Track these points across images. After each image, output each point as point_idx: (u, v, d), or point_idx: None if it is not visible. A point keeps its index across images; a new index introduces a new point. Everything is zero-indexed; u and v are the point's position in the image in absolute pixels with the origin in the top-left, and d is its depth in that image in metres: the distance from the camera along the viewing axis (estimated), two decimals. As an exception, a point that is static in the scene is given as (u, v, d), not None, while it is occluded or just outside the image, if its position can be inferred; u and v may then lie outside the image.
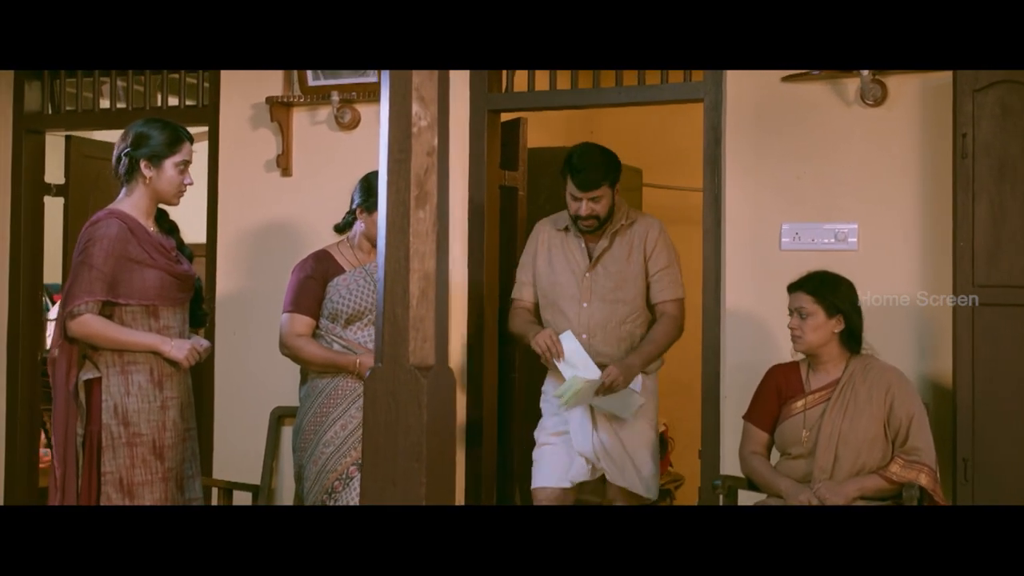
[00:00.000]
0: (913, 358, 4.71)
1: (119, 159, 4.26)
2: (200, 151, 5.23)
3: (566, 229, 4.86)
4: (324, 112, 5.71)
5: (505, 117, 5.83)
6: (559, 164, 4.78)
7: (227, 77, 5.91)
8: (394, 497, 3.21)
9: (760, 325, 4.87)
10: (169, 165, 4.23)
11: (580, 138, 6.29)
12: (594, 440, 4.69)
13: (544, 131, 6.95)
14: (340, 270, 4.69)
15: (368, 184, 4.66)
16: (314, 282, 4.66)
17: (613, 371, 4.57)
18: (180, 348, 4.21)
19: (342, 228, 4.84)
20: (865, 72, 4.67)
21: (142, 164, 4.20)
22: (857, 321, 4.40)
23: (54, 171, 6.82)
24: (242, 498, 5.55)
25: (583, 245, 4.82)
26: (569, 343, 4.66)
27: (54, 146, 6.80)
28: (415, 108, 3.29)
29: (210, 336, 5.76)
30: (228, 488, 5.54)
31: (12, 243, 6.39)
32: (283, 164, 5.74)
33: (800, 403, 4.36)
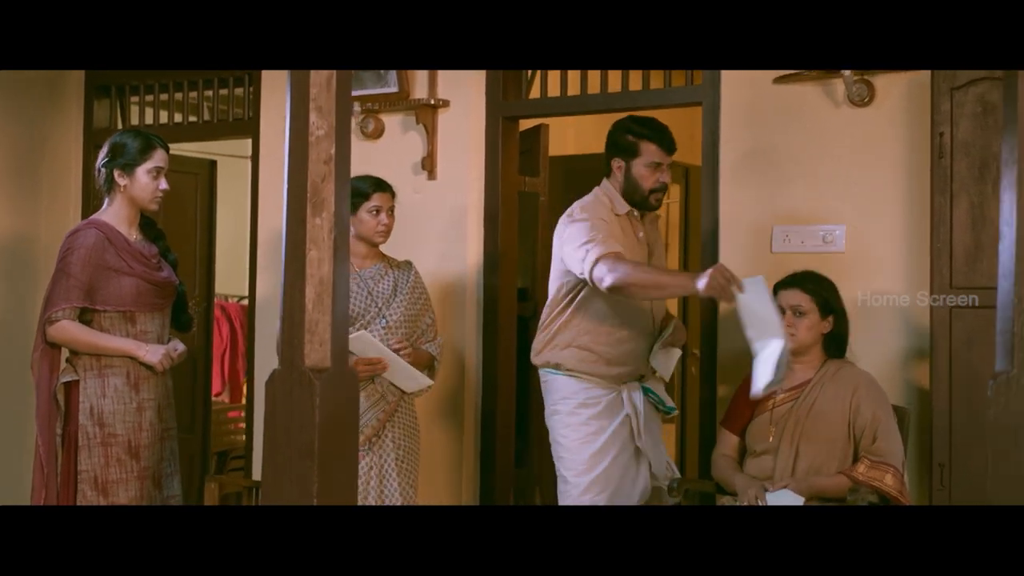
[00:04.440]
0: (898, 361, 4.64)
1: (98, 171, 4.47)
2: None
3: (628, 214, 4.55)
4: (352, 122, 5.84)
5: (528, 124, 5.92)
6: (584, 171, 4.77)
7: (267, 90, 6.12)
8: (290, 495, 3.32)
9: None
10: (142, 172, 4.42)
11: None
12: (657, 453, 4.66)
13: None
14: (336, 276, 4.81)
15: (351, 188, 4.78)
16: (310, 288, 4.79)
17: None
18: (155, 353, 4.39)
19: None
20: (847, 72, 4.60)
21: (116, 173, 4.41)
22: (845, 326, 4.39)
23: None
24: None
25: (639, 233, 4.59)
26: (757, 289, 4.06)
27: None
28: (312, 118, 3.39)
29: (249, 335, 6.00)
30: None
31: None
32: (314, 174, 5.90)
33: (770, 402, 4.35)
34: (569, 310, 4.49)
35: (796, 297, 4.32)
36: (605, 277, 4.18)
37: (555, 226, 4.86)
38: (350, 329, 4.63)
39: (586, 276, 4.27)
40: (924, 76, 4.55)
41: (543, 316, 4.61)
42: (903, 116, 4.66)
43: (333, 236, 3.42)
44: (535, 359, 4.62)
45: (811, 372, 4.35)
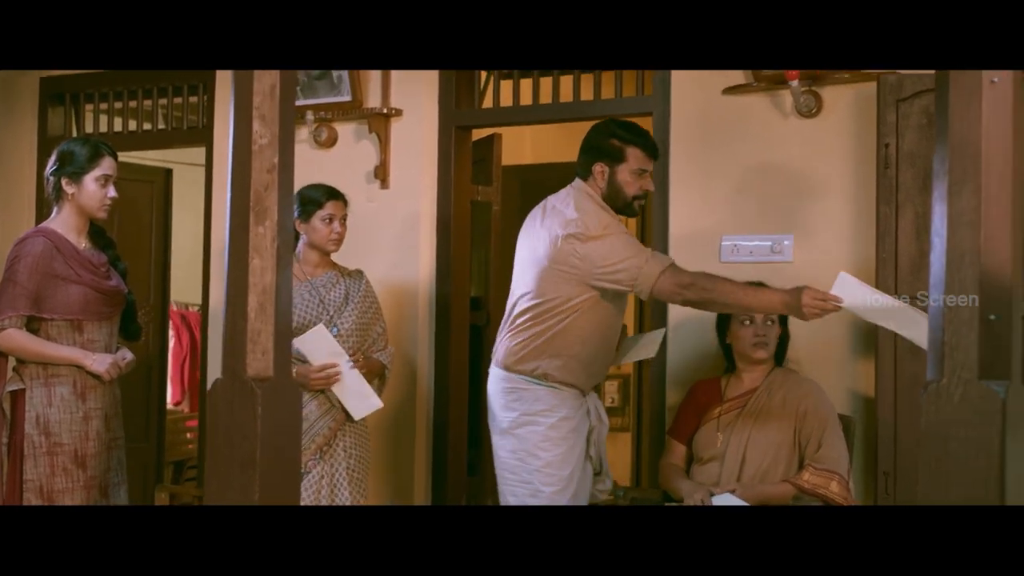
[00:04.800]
0: (844, 370, 4.68)
1: (47, 180, 4.46)
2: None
3: None
4: (304, 131, 5.86)
5: (482, 133, 5.94)
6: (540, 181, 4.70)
7: (220, 98, 6.11)
8: (231, 503, 3.31)
9: (702, 339, 4.86)
10: (89, 180, 4.40)
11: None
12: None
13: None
14: (287, 284, 4.80)
15: (301, 196, 4.79)
16: (262, 297, 4.77)
17: None
18: (101, 362, 4.37)
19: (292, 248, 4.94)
20: (795, 83, 4.64)
21: (64, 181, 4.39)
22: (786, 334, 4.44)
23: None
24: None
25: None
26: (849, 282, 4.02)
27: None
28: (255, 126, 3.39)
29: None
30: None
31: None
32: (268, 182, 5.89)
33: (716, 410, 4.39)
34: (567, 320, 4.27)
35: None
36: (680, 291, 4.12)
37: (510, 235, 4.84)
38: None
39: (643, 290, 4.15)
40: (870, 87, 4.58)
41: (522, 321, 4.34)
42: (850, 127, 4.70)
43: (276, 245, 3.41)
44: (515, 364, 4.37)
45: (759, 380, 4.39)
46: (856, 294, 3.90)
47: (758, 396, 4.34)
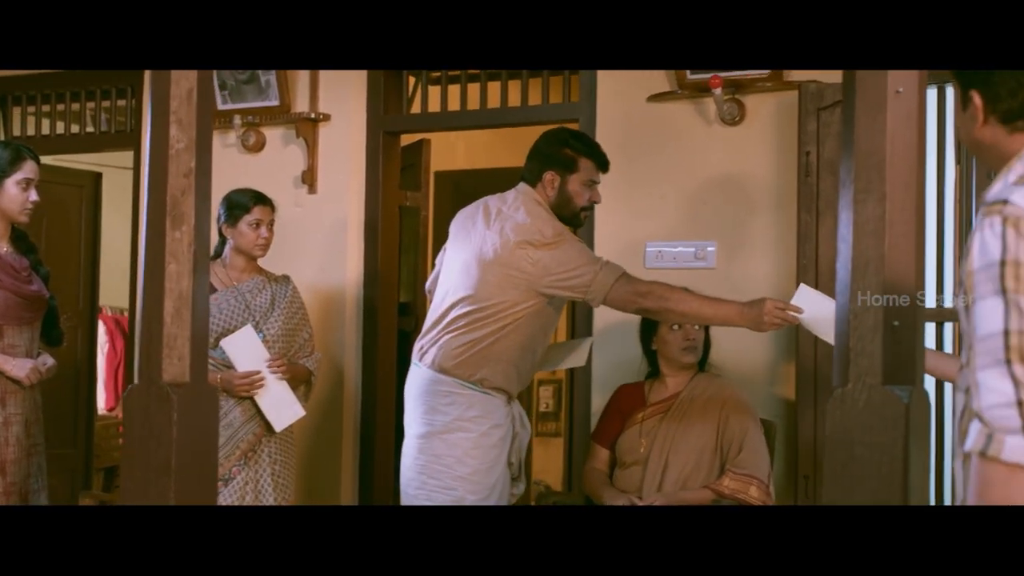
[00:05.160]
0: (765, 375, 4.73)
1: None
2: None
3: None
4: (233, 135, 5.84)
5: (412, 138, 5.96)
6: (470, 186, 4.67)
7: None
8: (147, 509, 3.30)
9: (624, 344, 4.88)
10: (11, 184, 4.35)
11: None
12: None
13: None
14: (212, 289, 4.77)
15: (228, 200, 4.78)
16: (185, 302, 4.74)
17: None
18: (21, 367, 4.32)
19: (218, 253, 4.92)
20: (717, 91, 4.68)
21: None
22: (707, 340, 4.48)
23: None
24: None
25: None
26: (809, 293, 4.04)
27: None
28: (172, 131, 3.38)
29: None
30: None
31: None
32: (196, 186, 5.87)
33: (640, 414, 4.41)
34: (509, 326, 4.21)
35: None
36: (636, 299, 4.10)
37: (441, 240, 4.78)
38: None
39: (595, 298, 4.13)
40: (792, 96, 4.63)
41: (461, 324, 4.24)
42: (772, 135, 4.75)
43: (193, 250, 3.40)
44: (454, 367, 4.26)
45: (682, 385, 4.42)
46: (815, 306, 3.91)
47: (681, 401, 4.38)
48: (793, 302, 3.95)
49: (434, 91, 5.69)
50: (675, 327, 4.38)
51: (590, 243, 5.05)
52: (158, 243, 3.37)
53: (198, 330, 3.43)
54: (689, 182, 4.89)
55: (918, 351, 2.65)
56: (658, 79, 4.92)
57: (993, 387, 2.01)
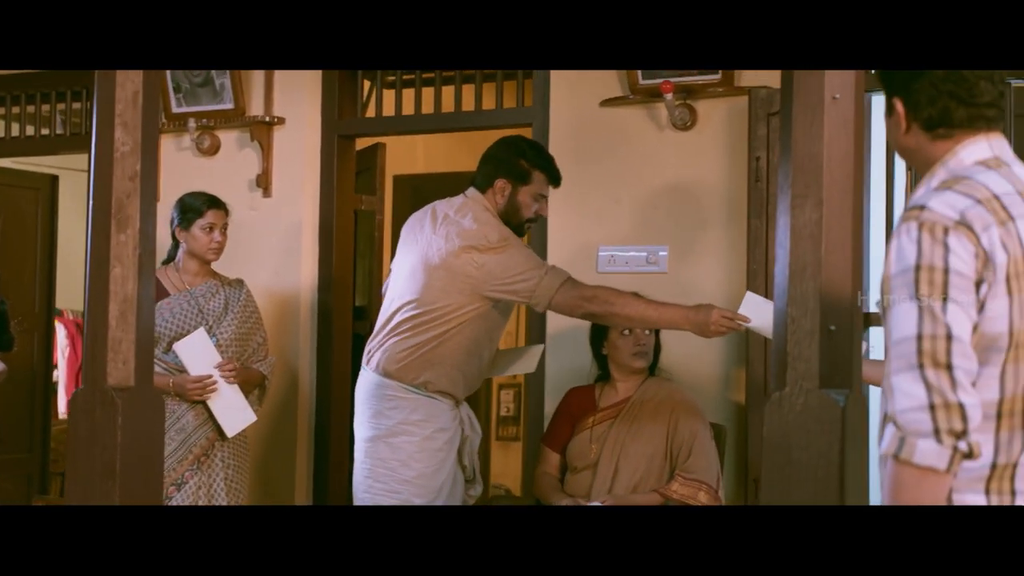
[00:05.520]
0: (717, 379, 4.75)
1: None
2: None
3: None
4: (188, 138, 5.82)
5: (368, 142, 5.96)
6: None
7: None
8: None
9: (577, 348, 4.89)
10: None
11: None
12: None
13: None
14: (165, 293, 4.77)
15: (182, 204, 4.78)
16: (138, 305, 4.72)
17: None
18: (-32, 372, 4.32)
19: (172, 256, 4.91)
20: (669, 96, 4.70)
21: None
22: (658, 344, 4.49)
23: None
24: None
25: None
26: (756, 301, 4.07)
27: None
28: (118, 133, 3.37)
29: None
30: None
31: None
32: (151, 190, 5.85)
33: (590, 419, 4.42)
34: (453, 330, 4.20)
35: None
36: (581, 304, 4.11)
37: (396, 245, 4.75)
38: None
39: (540, 303, 4.13)
40: (743, 101, 4.66)
41: (406, 328, 4.24)
42: (723, 140, 4.77)
43: (139, 253, 3.40)
44: (397, 371, 4.26)
45: (632, 390, 4.43)
46: (762, 312, 3.89)
47: (631, 406, 4.38)
48: (740, 310, 3.96)
49: (389, 95, 5.69)
50: (625, 332, 4.39)
51: (543, 247, 5.07)
52: (103, 246, 3.37)
53: (143, 334, 3.43)
54: (641, 187, 4.91)
55: (855, 355, 2.68)
56: (611, 84, 4.94)
57: (906, 391, 2.04)
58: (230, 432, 4.65)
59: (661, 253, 4.86)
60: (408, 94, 5.63)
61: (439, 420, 4.28)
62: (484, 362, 4.38)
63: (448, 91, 5.50)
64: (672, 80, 4.68)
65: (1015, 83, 4.41)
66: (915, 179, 4.43)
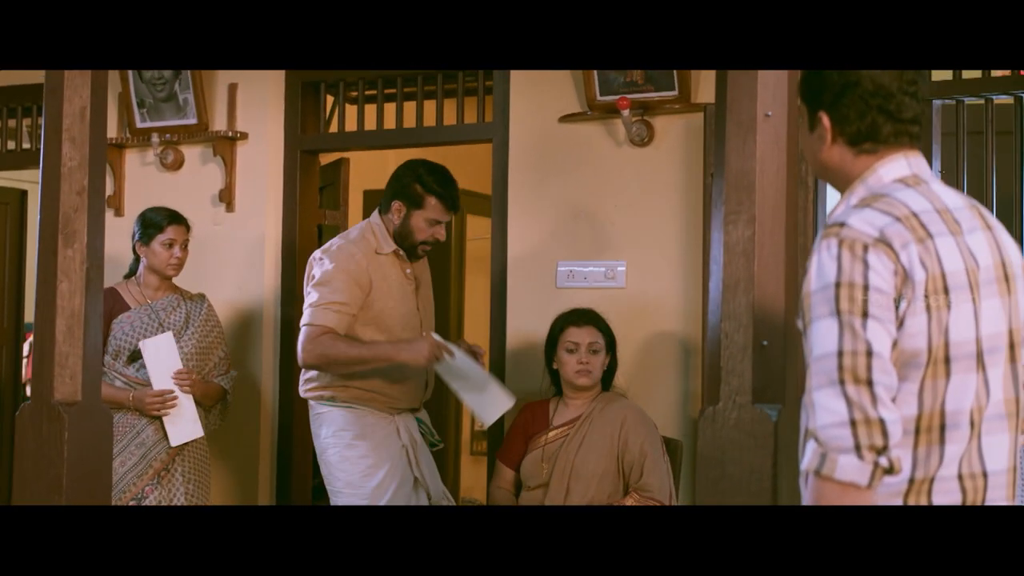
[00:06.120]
0: (675, 393, 4.75)
1: None
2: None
3: (395, 252, 4.44)
4: (151, 153, 5.82)
5: (331, 158, 5.97)
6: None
7: (68, 119, 6.05)
8: (38, 529, 3.28)
9: (538, 361, 4.90)
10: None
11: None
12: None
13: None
14: (125, 307, 4.78)
15: (143, 219, 4.79)
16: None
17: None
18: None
19: (133, 270, 4.92)
20: (626, 113, 4.72)
21: None
22: (614, 362, 4.49)
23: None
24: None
25: (408, 271, 4.50)
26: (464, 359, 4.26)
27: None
28: (65, 148, 3.39)
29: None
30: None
31: None
32: (115, 204, 5.85)
33: (543, 437, 4.43)
34: None
35: (592, 335, 4.41)
36: (300, 354, 4.29)
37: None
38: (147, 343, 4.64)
39: (301, 322, 4.33)
40: (699, 119, 4.68)
41: None
42: (680, 156, 4.79)
43: (86, 268, 3.41)
44: (304, 391, 4.47)
45: (584, 407, 4.42)
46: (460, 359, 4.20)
47: (581, 424, 4.37)
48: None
49: (351, 110, 5.71)
50: (570, 349, 4.39)
51: (502, 262, 5.09)
52: (50, 261, 3.39)
53: (91, 349, 3.44)
54: (600, 202, 4.92)
55: (788, 370, 2.70)
56: (570, 100, 4.96)
57: (827, 407, 2.06)
58: (174, 441, 4.66)
59: (619, 268, 4.87)
60: (370, 109, 5.64)
61: (356, 428, 4.39)
62: (388, 374, 4.38)
63: (410, 107, 5.52)
64: (629, 96, 4.71)
65: (967, 101, 4.46)
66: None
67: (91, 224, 3.41)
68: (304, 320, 4.29)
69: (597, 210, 4.94)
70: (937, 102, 4.47)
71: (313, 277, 4.36)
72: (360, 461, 4.37)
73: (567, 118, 4.96)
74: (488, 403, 4.34)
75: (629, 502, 4.25)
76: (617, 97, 4.73)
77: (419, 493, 4.49)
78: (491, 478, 4.60)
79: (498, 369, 5.12)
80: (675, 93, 4.71)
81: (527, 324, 5.02)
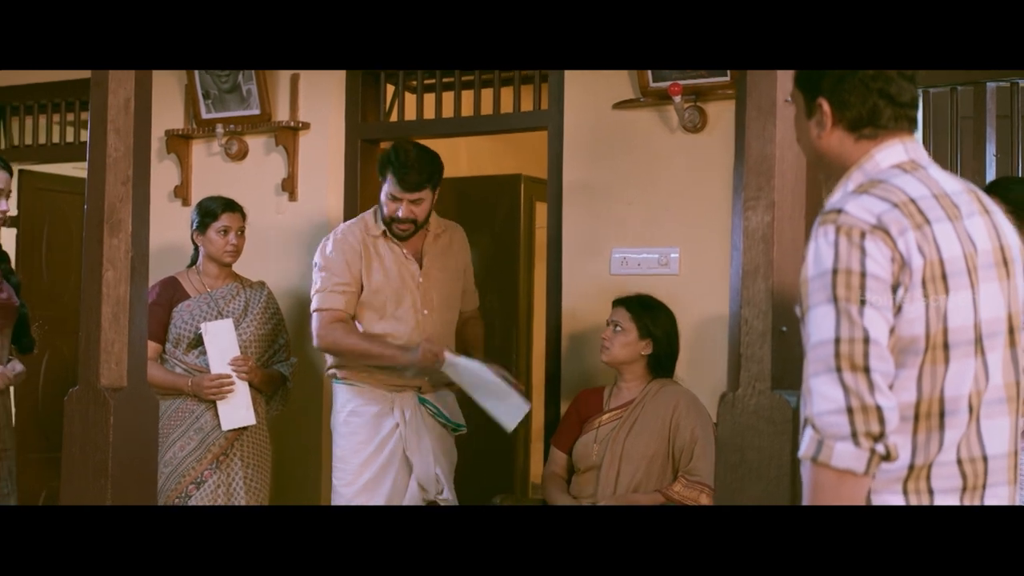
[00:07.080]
0: (723, 378, 4.72)
1: None
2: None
3: (384, 234, 4.60)
4: (216, 144, 5.91)
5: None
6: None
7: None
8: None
9: (594, 349, 4.91)
10: (-24, 194, 4.43)
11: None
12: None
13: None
14: (186, 296, 4.86)
15: (199, 208, 4.88)
16: (159, 308, 4.81)
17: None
18: (-10, 372, 4.41)
19: (194, 260, 5.01)
20: (678, 99, 4.71)
21: None
22: (666, 349, 4.46)
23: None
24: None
25: (404, 251, 4.61)
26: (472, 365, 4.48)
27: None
28: (110, 139, 3.46)
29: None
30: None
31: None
32: (182, 194, 5.96)
33: (596, 420, 4.45)
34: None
35: (617, 314, 4.43)
36: (315, 339, 4.57)
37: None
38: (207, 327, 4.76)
39: (311, 306, 4.61)
40: (751, 103, 4.65)
41: None
42: (733, 142, 4.75)
43: (131, 256, 3.48)
44: (328, 368, 4.74)
45: (636, 392, 4.43)
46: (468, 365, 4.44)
47: (634, 408, 4.39)
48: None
49: (411, 99, 5.75)
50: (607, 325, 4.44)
51: (557, 249, 5.10)
52: (96, 250, 3.46)
53: (136, 335, 3.51)
54: (653, 188, 4.92)
55: (807, 356, 2.68)
56: (623, 87, 4.95)
57: (824, 394, 2.05)
58: (225, 426, 4.75)
59: (673, 255, 4.86)
60: (429, 98, 5.68)
61: (352, 404, 4.62)
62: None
63: (468, 95, 5.55)
64: (681, 82, 4.69)
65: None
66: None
67: (136, 213, 3.47)
68: (313, 306, 4.54)
69: (650, 196, 4.93)
70: (991, 84, 4.41)
71: (316, 264, 4.61)
72: (351, 437, 4.60)
73: (620, 105, 4.96)
74: (507, 409, 4.48)
75: (677, 487, 4.25)
76: (669, 83, 4.72)
77: (412, 475, 4.57)
78: (546, 463, 4.63)
79: (553, 355, 5.14)
80: (727, 79, 4.69)
81: (582, 311, 5.03)
